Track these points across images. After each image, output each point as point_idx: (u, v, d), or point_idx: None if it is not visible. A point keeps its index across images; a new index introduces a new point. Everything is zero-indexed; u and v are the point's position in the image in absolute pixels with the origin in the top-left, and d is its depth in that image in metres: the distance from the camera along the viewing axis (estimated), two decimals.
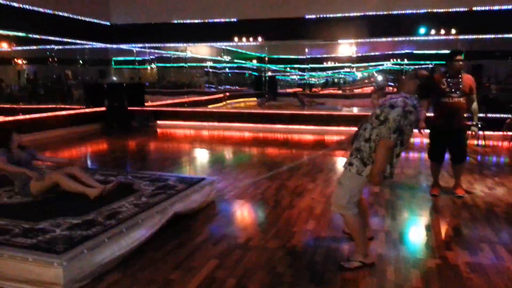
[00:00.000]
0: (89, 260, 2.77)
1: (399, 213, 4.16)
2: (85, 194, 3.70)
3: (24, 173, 3.80)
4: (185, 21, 11.26)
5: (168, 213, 3.59)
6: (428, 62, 19.60)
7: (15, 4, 9.01)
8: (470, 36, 10.23)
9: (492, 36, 9.87)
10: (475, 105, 4.51)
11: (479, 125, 4.54)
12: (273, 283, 2.72)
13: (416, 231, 3.76)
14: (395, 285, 2.69)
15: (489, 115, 8.65)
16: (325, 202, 4.42)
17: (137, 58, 15.74)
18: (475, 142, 7.84)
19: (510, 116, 8.49)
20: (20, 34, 9.64)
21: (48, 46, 11.68)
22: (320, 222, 3.85)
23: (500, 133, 8.46)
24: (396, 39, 11.52)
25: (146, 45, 12.76)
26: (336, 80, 21.19)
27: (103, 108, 11.09)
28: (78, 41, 11.15)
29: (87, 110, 10.97)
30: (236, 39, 11.25)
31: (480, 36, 10.07)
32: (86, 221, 3.20)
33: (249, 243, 3.38)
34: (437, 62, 18.99)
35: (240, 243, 3.38)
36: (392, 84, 18.19)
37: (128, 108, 11.09)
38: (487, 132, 8.10)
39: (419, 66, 20.71)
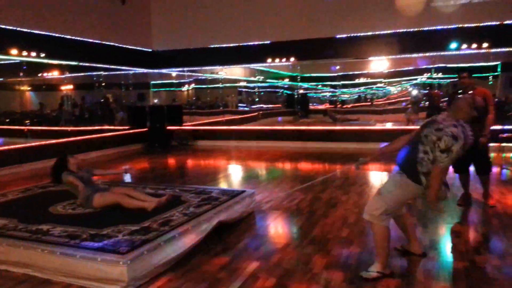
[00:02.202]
0: (148, 261, 3.17)
1: (431, 222, 4.34)
2: (143, 208, 4.17)
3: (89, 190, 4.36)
4: (221, 45, 11.89)
5: (214, 221, 3.97)
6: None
7: (68, 36, 9.91)
8: (503, 49, 10.24)
9: None
10: (489, 116, 4.58)
11: (488, 136, 4.60)
12: (310, 282, 3.02)
13: (446, 238, 3.94)
14: (423, 285, 2.91)
15: None
16: (358, 212, 4.67)
17: (174, 81, 16.54)
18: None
19: None
20: (72, 63, 10.55)
21: (95, 73, 12.63)
22: (353, 230, 4.11)
23: None
24: (427, 54, 11.63)
25: (184, 69, 13.51)
26: (368, 95, 21.25)
27: (145, 129, 11.79)
28: (123, 67, 12.03)
29: (130, 131, 11.70)
30: (269, 60, 11.75)
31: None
32: (144, 227, 3.63)
33: (287, 248, 3.70)
34: (473, 75, 18.74)
35: (279, 248, 3.70)
36: (426, 98, 18.06)
37: (168, 128, 11.74)
38: None
39: (455, 79, 20.42)
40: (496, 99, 15.33)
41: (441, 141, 2.73)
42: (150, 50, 12.53)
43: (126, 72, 12.74)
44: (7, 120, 13.36)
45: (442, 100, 14.47)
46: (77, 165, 4.78)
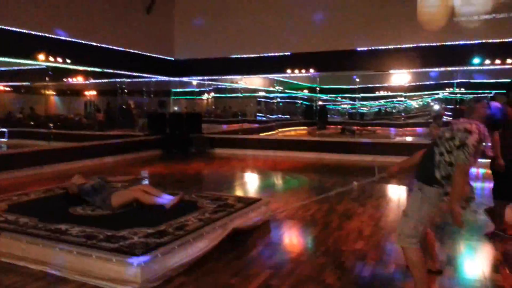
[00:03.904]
0: (161, 264, 3.21)
1: (448, 236, 4.25)
2: (161, 205, 4.24)
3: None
4: (241, 56, 12.03)
5: (228, 227, 3.99)
6: (486, 91, 19.02)
7: (93, 43, 10.20)
8: None
9: None
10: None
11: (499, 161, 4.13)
12: None
13: (463, 254, 3.86)
14: None
15: None
16: (374, 225, 4.63)
17: (195, 90, 16.77)
18: None
19: None
20: (96, 69, 10.84)
21: (118, 79, 12.94)
22: (368, 242, 4.07)
23: None
24: (449, 69, 11.49)
25: (205, 77, 13.70)
26: (388, 109, 21.05)
27: (164, 135, 11.95)
28: (146, 75, 12.29)
29: (150, 137, 11.89)
30: (289, 71, 11.80)
31: None
32: (159, 231, 3.67)
33: (300, 258, 3.69)
34: (497, 91, 18.39)
35: (292, 257, 3.70)
36: (448, 113, 17.78)
37: (187, 135, 11.88)
38: None
39: (477, 95, 20.11)
40: None
41: (455, 139, 2.62)
42: (172, 58, 12.77)
43: (148, 79, 13.01)
44: (32, 123, 13.78)
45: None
46: (83, 177, 4.89)
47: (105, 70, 10.97)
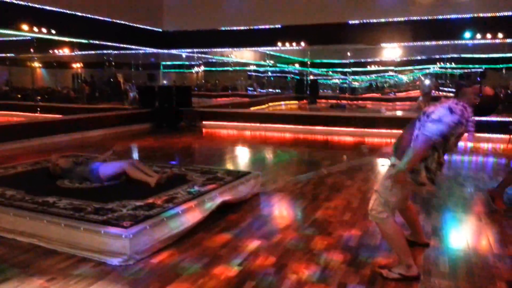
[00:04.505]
0: (150, 235, 3.22)
1: (434, 209, 4.33)
2: (147, 182, 4.22)
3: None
4: (231, 28, 11.80)
5: (217, 200, 4.01)
6: (476, 66, 19.03)
7: (79, 13, 9.90)
8: None
9: None
10: None
11: None
12: (309, 262, 3.05)
13: (448, 225, 3.93)
14: (423, 270, 2.92)
15: None
16: (362, 197, 4.68)
17: (185, 63, 16.51)
18: None
19: None
20: (82, 40, 10.57)
21: (105, 51, 12.64)
22: (356, 213, 4.12)
23: None
24: (440, 42, 11.43)
25: (194, 50, 13.45)
26: (379, 83, 21.02)
27: (154, 109, 11.82)
28: (133, 47, 12.01)
29: (139, 110, 11.75)
30: (279, 44, 11.64)
31: None
32: (148, 203, 3.67)
33: (288, 229, 3.73)
34: (486, 66, 18.42)
35: (280, 229, 3.74)
36: (439, 88, 17.81)
37: (177, 109, 11.76)
38: None
39: (468, 70, 20.13)
40: (509, 91, 15.07)
41: (434, 112, 2.50)
42: (160, 30, 12.49)
43: (136, 52, 12.74)
44: (19, 96, 13.52)
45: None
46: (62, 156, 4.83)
47: (91, 41, 10.71)
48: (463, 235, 3.68)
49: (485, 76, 19.54)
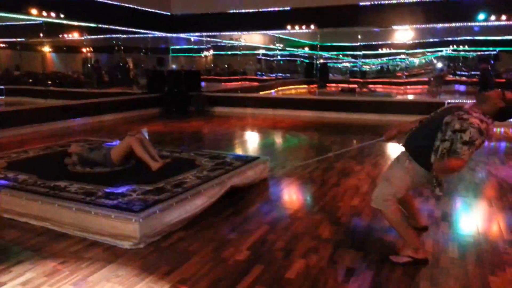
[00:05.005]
0: (160, 220, 3.25)
1: (445, 194, 4.28)
2: (148, 165, 4.27)
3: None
4: (240, 11, 11.65)
5: (226, 185, 4.02)
6: (490, 48, 18.62)
7: None
8: None
9: None
10: None
11: None
12: (317, 247, 3.06)
13: (458, 211, 3.91)
14: (432, 255, 2.91)
15: None
16: (371, 182, 4.66)
17: (194, 47, 16.40)
18: None
19: None
20: (91, 24, 10.54)
21: (114, 35, 12.60)
22: (364, 199, 4.11)
23: None
24: (453, 24, 11.15)
25: (203, 34, 13.35)
26: (391, 67, 20.71)
27: (163, 94, 11.81)
28: (142, 31, 11.96)
29: (149, 95, 11.77)
30: (289, 27, 11.48)
31: None
32: (158, 188, 3.70)
33: (297, 214, 3.74)
34: (501, 48, 18.01)
35: (289, 214, 3.75)
36: (451, 72, 17.50)
37: (186, 93, 11.75)
38: None
39: (482, 53, 19.71)
40: None
41: (465, 133, 2.45)
42: (168, 13, 12.39)
43: (145, 36, 12.68)
44: (30, 80, 13.60)
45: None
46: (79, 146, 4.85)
47: (99, 26, 10.67)
48: (473, 220, 3.66)
49: (499, 59, 19.15)
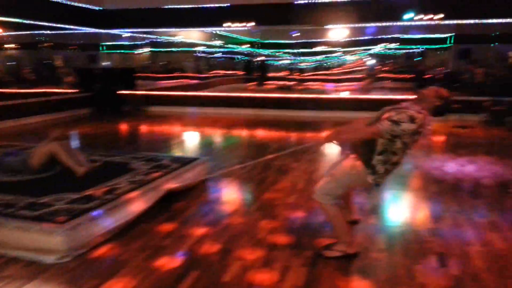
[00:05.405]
0: (88, 230, 3.07)
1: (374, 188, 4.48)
2: (73, 170, 4.02)
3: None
4: (176, 6, 11.38)
5: (162, 189, 3.90)
6: (418, 46, 19.93)
7: None
8: (456, 21, 10.53)
9: (478, 21, 10.14)
10: None
11: None
12: (254, 247, 3.05)
13: (386, 203, 4.11)
14: (362, 247, 3.02)
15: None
16: (307, 179, 4.76)
17: (128, 43, 15.79)
18: None
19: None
20: (13, 20, 9.74)
21: (38, 32, 11.77)
22: (301, 195, 4.19)
23: None
24: (384, 24, 11.75)
25: (137, 30, 12.88)
26: (326, 64, 21.43)
27: (95, 92, 11.23)
28: (70, 27, 11.25)
29: (78, 94, 11.13)
30: (227, 24, 11.42)
31: (466, 21, 10.36)
32: (86, 196, 3.49)
33: (235, 214, 3.71)
34: (426, 46, 19.34)
35: (227, 214, 3.71)
36: (379, 67, 18.42)
37: (120, 92, 11.27)
38: None
39: (409, 50, 21.03)
40: (448, 70, 15.91)
41: (395, 116, 2.60)
42: (100, 8, 11.78)
43: (74, 32, 11.97)
44: None
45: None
46: None
47: (23, 21, 9.90)
48: (400, 212, 3.86)
49: (424, 56, 20.54)
